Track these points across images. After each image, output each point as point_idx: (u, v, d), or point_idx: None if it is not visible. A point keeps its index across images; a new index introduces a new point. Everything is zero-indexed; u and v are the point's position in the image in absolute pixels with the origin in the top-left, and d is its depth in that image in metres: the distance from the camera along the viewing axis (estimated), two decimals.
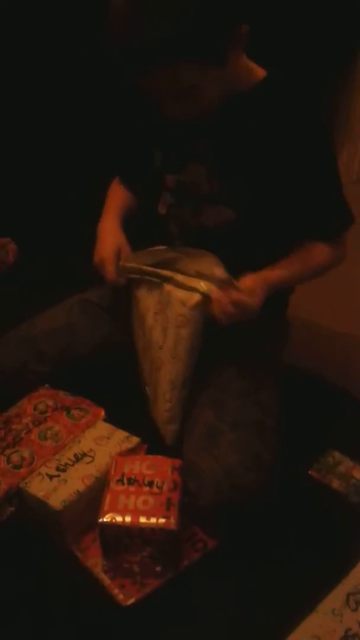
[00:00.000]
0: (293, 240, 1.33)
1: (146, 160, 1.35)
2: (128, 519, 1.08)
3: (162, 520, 1.08)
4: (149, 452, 1.27)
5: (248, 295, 1.19)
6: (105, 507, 1.10)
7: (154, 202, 1.38)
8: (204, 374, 1.31)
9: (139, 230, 1.42)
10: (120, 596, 1.10)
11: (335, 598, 1.07)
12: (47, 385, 1.41)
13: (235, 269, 1.22)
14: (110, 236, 1.40)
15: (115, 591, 1.11)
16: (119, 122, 1.43)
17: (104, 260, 1.35)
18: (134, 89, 1.15)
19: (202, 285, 1.20)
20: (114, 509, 1.10)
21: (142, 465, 1.18)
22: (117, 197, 1.50)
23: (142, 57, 1.06)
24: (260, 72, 1.25)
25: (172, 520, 1.09)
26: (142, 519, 1.08)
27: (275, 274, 1.27)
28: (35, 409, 1.35)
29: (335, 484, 1.31)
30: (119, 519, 1.08)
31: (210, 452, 1.20)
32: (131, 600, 1.10)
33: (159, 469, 1.17)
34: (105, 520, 1.09)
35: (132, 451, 1.26)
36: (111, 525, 1.08)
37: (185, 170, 1.30)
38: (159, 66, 1.07)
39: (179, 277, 1.24)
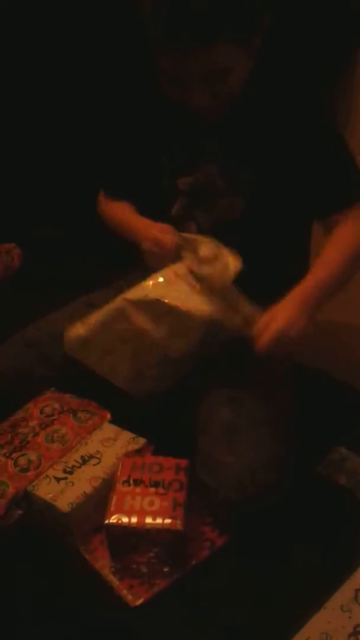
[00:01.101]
0: (303, 225, 1.35)
1: (151, 170, 1.35)
2: (134, 519, 1.09)
3: (168, 521, 1.09)
4: (156, 452, 1.27)
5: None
6: (112, 508, 1.11)
7: (162, 209, 1.37)
8: (220, 371, 1.31)
9: None
10: (129, 597, 1.11)
11: (343, 594, 1.06)
12: (53, 388, 1.42)
13: (249, 259, 1.21)
14: (152, 222, 1.33)
15: (124, 592, 1.11)
16: (118, 136, 1.43)
17: (163, 228, 1.26)
18: (150, 84, 1.18)
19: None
20: (120, 510, 1.10)
21: (148, 466, 1.18)
22: (126, 208, 1.45)
23: (198, 30, 1.06)
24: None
25: (178, 521, 1.09)
26: (148, 520, 1.09)
27: (308, 281, 1.21)
28: (41, 412, 1.35)
29: (343, 480, 1.31)
30: (125, 520, 1.09)
31: (229, 448, 1.20)
32: (140, 601, 1.10)
33: (165, 470, 1.17)
34: (111, 521, 1.09)
35: (138, 452, 1.26)
36: (117, 527, 1.09)
37: (198, 170, 1.31)
38: (210, 41, 1.08)
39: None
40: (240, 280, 1.21)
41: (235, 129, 1.28)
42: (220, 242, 1.22)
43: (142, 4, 1.11)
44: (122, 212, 1.44)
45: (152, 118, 1.37)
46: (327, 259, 1.26)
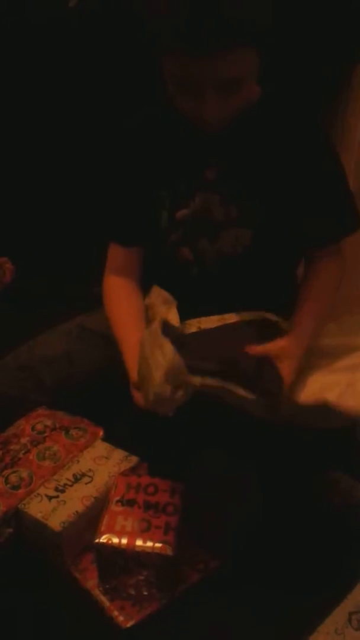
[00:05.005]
0: (299, 256, 1.34)
1: (151, 205, 1.30)
2: (124, 541, 1.08)
3: (158, 545, 1.07)
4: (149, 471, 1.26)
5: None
6: (102, 528, 1.10)
7: (161, 244, 1.33)
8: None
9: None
10: (120, 618, 1.10)
11: (337, 617, 1.06)
12: (44, 406, 1.40)
13: (253, 291, 1.22)
14: None
15: (115, 613, 1.10)
16: (116, 175, 1.39)
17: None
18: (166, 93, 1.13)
19: None
20: (110, 530, 1.09)
21: (144, 487, 1.17)
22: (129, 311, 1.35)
23: (221, 32, 1.00)
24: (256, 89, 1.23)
25: (169, 545, 1.07)
26: (139, 542, 1.07)
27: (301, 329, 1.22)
28: (33, 429, 1.34)
29: (337, 502, 1.30)
30: (115, 540, 1.08)
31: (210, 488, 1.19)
32: (131, 622, 1.09)
33: (160, 492, 1.17)
34: (101, 541, 1.08)
35: (133, 470, 1.25)
36: (107, 547, 1.08)
37: (194, 201, 1.27)
38: (233, 44, 1.03)
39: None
40: (234, 308, 1.23)
41: (237, 158, 1.24)
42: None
43: (152, 4, 1.06)
44: (121, 315, 1.35)
45: (152, 151, 1.31)
46: (308, 312, 1.25)
